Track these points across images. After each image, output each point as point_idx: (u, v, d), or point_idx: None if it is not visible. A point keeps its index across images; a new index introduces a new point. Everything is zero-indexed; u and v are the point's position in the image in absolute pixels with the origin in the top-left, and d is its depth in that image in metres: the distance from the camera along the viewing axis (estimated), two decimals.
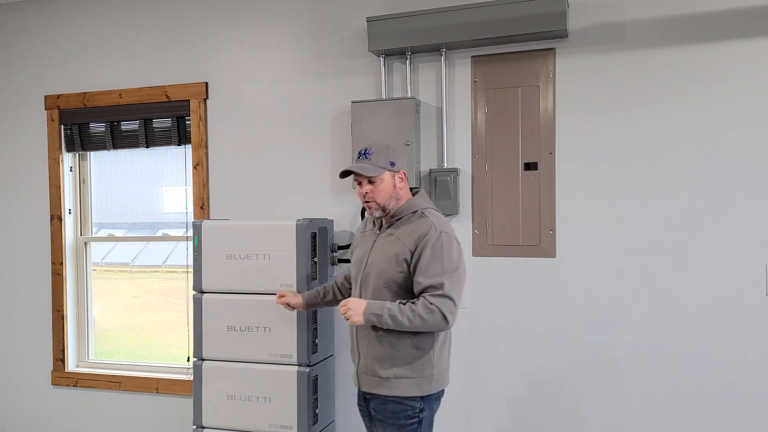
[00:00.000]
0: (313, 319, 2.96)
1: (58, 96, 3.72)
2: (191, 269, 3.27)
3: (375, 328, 2.27)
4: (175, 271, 3.72)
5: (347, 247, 3.19)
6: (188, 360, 3.59)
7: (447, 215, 3.03)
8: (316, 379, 2.99)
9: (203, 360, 3.06)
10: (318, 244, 3.00)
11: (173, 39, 3.52)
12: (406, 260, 2.24)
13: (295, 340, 2.91)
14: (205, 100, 3.45)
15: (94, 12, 3.67)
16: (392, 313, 2.17)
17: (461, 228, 3.03)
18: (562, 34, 2.83)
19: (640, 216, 2.80)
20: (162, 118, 3.55)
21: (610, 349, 2.84)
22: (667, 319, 2.76)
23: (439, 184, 2.98)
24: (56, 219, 3.74)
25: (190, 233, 3.36)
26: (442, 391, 2.36)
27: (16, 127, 3.84)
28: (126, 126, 3.63)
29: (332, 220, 3.19)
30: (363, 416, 2.49)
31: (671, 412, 2.78)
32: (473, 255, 3.02)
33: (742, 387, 2.69)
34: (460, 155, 3.04)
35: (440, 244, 2.20)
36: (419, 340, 2.26)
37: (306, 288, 2.90)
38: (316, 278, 2.98)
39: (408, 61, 3.06)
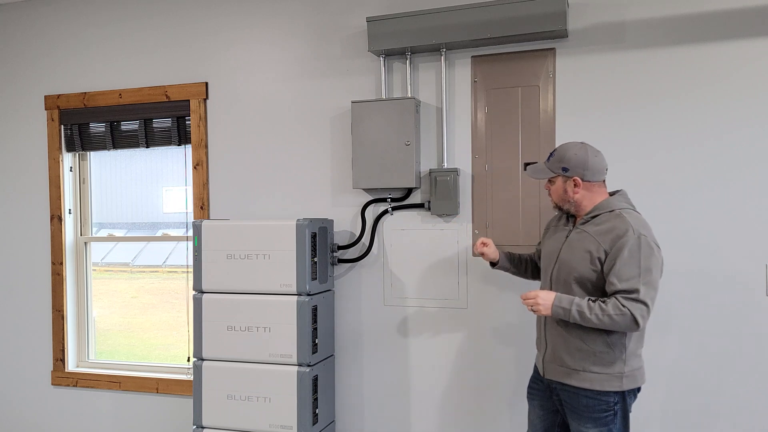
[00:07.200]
0: (313, 319, 2.96)
1: (58, 96, 3.72)
2: (191, 269, 3.28)
3: (565, 321, 2.26)
4: (175, 271, 3.72)
5: (347, 247, 3.20)
6: (188, 360, 3.59)
7: (447, 215, 3.05)
8: (316, 379, 2.99)
9: (203, 360, 3.06)
10: (318, 244, 3.00)
11: (173, 39, 3.52)
12: (599, 259, 2.21)
13: (295, 340, 2.91)
14: (205, 100, 3.45)
15: (94, 12, 3.67)
16: (581, 309, 2.16)
17: (461, 228, 3.04)
18: (562, 34, 2.83)
19: None
20: (162, 118, 3.55)
21: None
22: (667, 319, 2.77)
23: (439, 184, 2.98)
24: (56, 219, 3.74)
25: (190, 233, 3.36)
26: (639, 387, 2.31)
27: (16, 127, 3.84)
28: (126, 126, 3.63)
29: (332, 220, 3.19)
30: (533, 398, 2.51)
31: (668, 413, 2.79)
32: (473, 255, 3.02)
33: (742, 388, 2.70)
34: (460, 155, 3.04)
35: (637, 246, 2.16)
36: (610, 337, 2.23)
37: (306, 287, 2.91)
38: (316, 278, 2.98)
39: (408, 61, 3.06)
